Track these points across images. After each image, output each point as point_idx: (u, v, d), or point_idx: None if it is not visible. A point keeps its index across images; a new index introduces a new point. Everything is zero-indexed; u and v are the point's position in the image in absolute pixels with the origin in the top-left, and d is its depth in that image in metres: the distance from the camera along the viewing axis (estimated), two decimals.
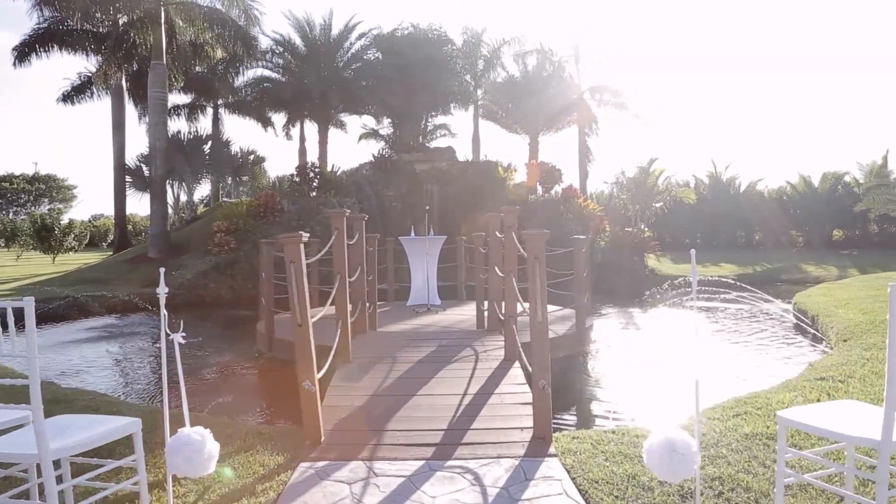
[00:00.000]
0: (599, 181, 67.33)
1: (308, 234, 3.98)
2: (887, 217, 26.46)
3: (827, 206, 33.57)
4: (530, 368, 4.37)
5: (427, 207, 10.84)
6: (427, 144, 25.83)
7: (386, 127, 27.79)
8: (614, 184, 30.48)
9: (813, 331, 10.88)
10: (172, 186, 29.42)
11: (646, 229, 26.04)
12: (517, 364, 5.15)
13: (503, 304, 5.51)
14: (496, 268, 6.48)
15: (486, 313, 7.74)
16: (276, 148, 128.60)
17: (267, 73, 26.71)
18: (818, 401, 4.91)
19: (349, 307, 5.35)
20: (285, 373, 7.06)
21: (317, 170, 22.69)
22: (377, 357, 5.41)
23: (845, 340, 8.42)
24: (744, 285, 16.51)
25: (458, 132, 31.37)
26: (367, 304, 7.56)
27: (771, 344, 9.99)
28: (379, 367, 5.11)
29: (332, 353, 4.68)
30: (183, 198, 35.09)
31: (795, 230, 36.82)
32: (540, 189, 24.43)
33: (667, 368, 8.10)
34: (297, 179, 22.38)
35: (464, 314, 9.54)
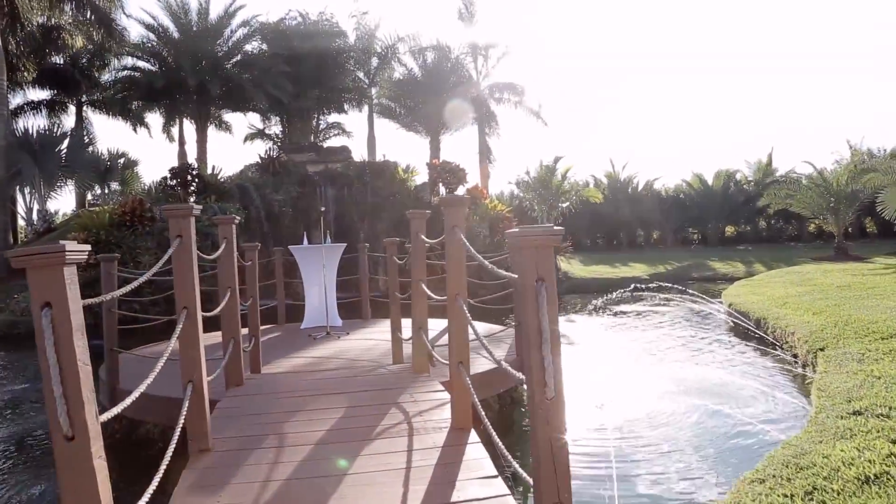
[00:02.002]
0: (501, 182, 67.36)
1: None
2: (785, 212, 26.98)
3: (721, 203, 34.30)
4: (502, 449, 2.70)
5: (323, 209, 8.94)
6: (320, 144, 23.69)
7: (274, 125, 25.39)
8: (518, 184, 29.56)
9: (760, 334, 9.91)
10: (24, 193, 25.40)
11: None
12: (474, 436, 3.42)
13: (447, 340, 3.73)
14: (422, 285, 4.72)
15: (404, 342, 5.98)
16: (153, 151, 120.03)
17: (138, 62, 23.54)
18: (892, 455, 3.52)
19: (203, 365, 3.37)
20: (127, 450, 4.98)
21: (195, 172, 19.98)
22: (254, 438, 3.45)
23: (822, 349, 7.32)
24: (688, 289, 15.67)
25: (353, 131, 29.59)
26: (250, 339, 5.60)
27: (735, 355, 8.83)
28: (256, 458, 3.18)
29: (173, 441, 2.77)
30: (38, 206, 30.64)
31: (692, 227, 37.51)
32: (443, 190, 22.91)
33: (638, 393, 6.66)
34: (173, 183, 19.61)
35: (373, 340, 7.72)
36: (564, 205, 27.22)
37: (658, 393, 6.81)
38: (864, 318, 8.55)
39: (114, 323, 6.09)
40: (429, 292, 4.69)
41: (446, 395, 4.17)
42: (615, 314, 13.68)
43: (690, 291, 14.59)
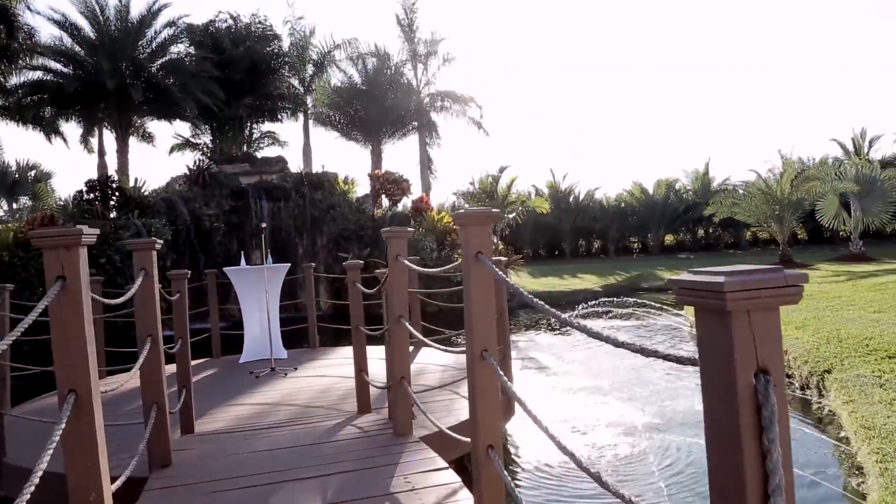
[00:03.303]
0: (444, 193, 66.63)
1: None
2: (723, 220, 27.16)
3: (662, 212, 34.47)
4: None
5: (263, 224, 7.75)
6: (254, 154, 22.25)
7: (204, 134, 23.71)
8: (463, 195, 28.73)
9: None
10: None
11: (499, 242, 24.48)
12: None
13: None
14: (405, 321, 3.71)
15: (370, 387, 4.93)
16: (71, 163, 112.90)
17: (50, 63, 21.40)
18: None
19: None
20: None
21: (115, 185, 18.21)
22: None
23: (828, 371, 6.66)
24: (640, 299, 15.10)
25: (289, 141, 28.09)
26: (179, 391, 4.42)
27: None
28: None
29: None
30: None
31: (633, 236, 37.63)
32: (386, 202, 21.88)
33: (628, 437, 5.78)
34: (90, 197, 17.79)
35: (327, 377, 6.60)
36: (511, 215, 26.51)
37: (658, 428, 5.97)
38: (855, 333, 8.01)
39: (3, 373, 4.83)
40: (416, 333, 3.67)
41: (453, 478, 3.15)
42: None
43: (659, 304, 14.04)
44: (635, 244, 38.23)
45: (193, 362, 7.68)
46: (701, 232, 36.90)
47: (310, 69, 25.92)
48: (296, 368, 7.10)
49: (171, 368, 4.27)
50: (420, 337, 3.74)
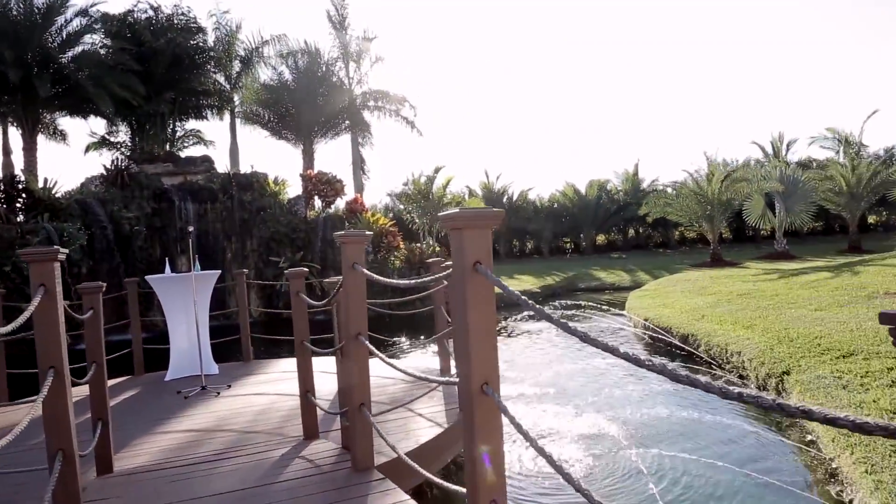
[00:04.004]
0: (377, 194, 65.76)
1: None
2: (653, 220, 27.69)
3: (595, 212, 34.93)
4: None
5: (191, 229, 7.04)
6: (177, 153, 21.04)
7: (122, 132, 22.26)
8: (398, 196, 28.19)
9: (690, 351, 9.19)
10: None
11: (434, 244, 24.08)
12: None
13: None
14: (364, 339, 3.22)
15: (318, 409, 4.40)
16: None
17: None
18: None
19: None
20: None
21: (22, 185, 16.75)
22: None
23: (786, 373, 6.54)
24: (579, 300, 15.00)
25: (215, 140, 26.63)
26: (95, 424, 3.76)
27: (671, 382, 7.88)
28: None
29: None
30: None
31: (567, 237, 38.02)
32: (319, 203, 21.14)
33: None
34: None
35: (264, 395, 6.00)
36: None
37: (618, 442, 5.67)
38: (804, 332, 8.00)
39: None
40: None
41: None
42: (528, 334, 12.63)
43: (601, 305, 13.95)
44: (568, 244, 38.65)
45: (112, 381, 6.91)
46: (632, 232, 37.67)
47: (237, 65, 24.80)
48: (229, 386, 6.45)
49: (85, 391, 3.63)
50: (380, 356, 3.25)
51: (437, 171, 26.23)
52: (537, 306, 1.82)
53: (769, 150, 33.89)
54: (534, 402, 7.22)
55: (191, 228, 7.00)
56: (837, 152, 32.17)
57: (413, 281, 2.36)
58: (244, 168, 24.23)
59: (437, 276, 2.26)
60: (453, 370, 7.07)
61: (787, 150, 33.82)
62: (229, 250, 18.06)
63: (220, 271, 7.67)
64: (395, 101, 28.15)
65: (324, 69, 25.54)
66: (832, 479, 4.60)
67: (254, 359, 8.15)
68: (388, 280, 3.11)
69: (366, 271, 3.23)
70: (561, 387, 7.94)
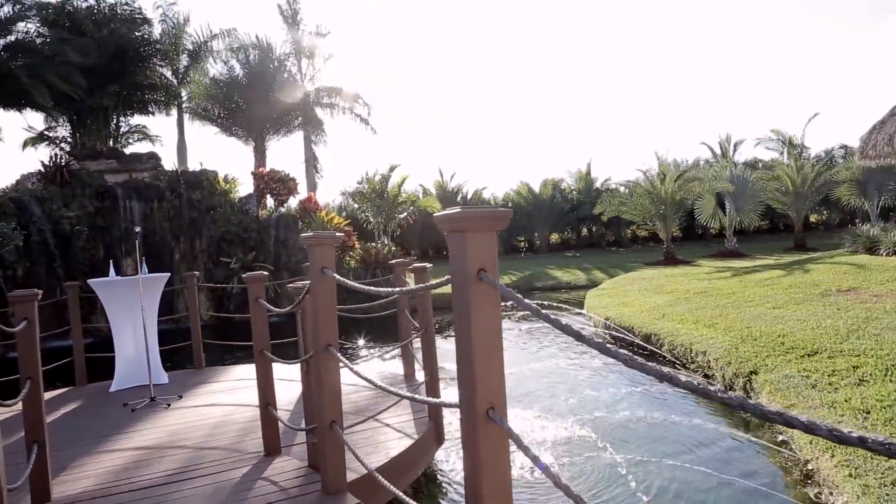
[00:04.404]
0: (331, 193, 64.80)
1: None
2: (613, 219, 27.98)
3: (549, 211, 35.10)
4: None
5: (138, 230, 6.59)
6: (121, 150, 20.16)
7: (62, 127, 21.20)
8: (352, 194, 27.68)
9: (653, 350, 9.15)
10: None
11: (389, 243, 23.75)
12: None
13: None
14: (334, 350, 2.95)
15: (280, 423, 4.10)
16: None
17: None
18: None
19: None
20: None
21: None
22: None
23: (754, 373, 6.52)
24: (537, 299, 14.82)
25: (162, 136, 25.65)
26: (29, 447, 3.39)
27: (640, 382, 7.78)
28: None
29: None
30: None
31: (521, 235, 38.11)
32: (271, 202, 20.58)
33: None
34: None
35: (219, 406, 5.64)
36: (402, 215, 25.84)
37: (594, 445, 5.52)
38: (766, 330, 8.04)
39: None
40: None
41: None
42: None
43: (561, 305, 13.88)
44: (522, 243, 38.75)
45: (50, 394, 6.42)
46: (585, 230, 38.00)
47: (184, 59, 23.92)
48: (180, 396, 6.06)
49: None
50: (353, 368, 2.98)
51: (391, 169, 25.89)
52: (562, 321, 1.59)
53: (717, 150, 34.65)
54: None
55: (137, 229, 6.57)
56: (781, 153, 33.10)
57: (408, 288, 2.10)
58: (193, 165, 23.45)
59: (434, 283, 2.01)
60: (418, 376, 6.82)
61: (735, 150, 34.61)
62: (177, 251, 17.38)
63: (168, 274, 7.23)
64: (348, 98, 27.69)
65: (276, 65, 24.90)
66: (809, 481, 4.54)
67: (206, 366, 7.73)
68: (361, 286, 2.85)
69: (338, 277, 2.96)
70: (528, 388, 7.78)
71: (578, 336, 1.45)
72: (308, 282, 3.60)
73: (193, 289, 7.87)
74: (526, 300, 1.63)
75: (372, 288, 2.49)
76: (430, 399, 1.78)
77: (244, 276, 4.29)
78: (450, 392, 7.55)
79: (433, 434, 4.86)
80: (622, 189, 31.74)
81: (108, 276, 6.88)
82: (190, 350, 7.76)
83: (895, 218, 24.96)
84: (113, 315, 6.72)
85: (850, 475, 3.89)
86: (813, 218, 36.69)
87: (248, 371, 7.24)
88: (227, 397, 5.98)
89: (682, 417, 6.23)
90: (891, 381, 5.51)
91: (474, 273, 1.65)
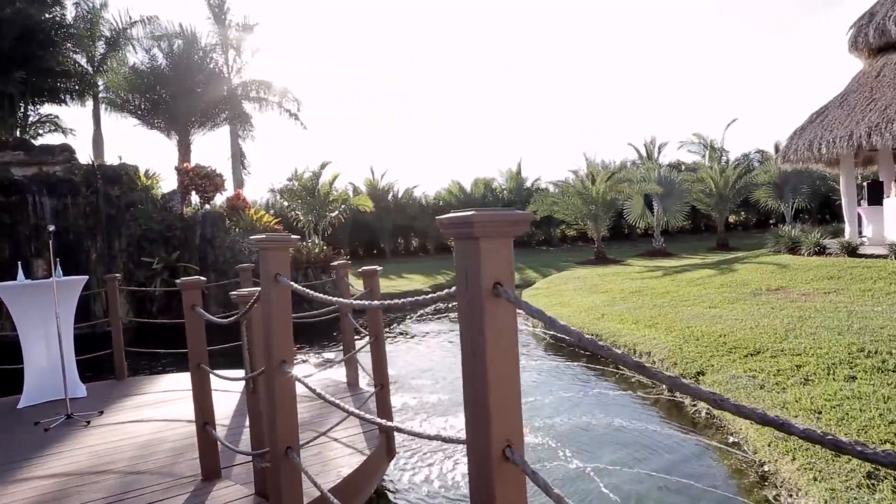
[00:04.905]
0: (259, 190, 62.93)
1: None
2: (543, 218, 28.25)
3: (481, 210, 35.14)
4: None
5: (52, 228, 5.97)
6: (30, 141, 18.75)
7: None
8: (281, 191, 26.84)
9: (593, 351, 9.12)
10: None
11: (321, 242, 23.13)
12: None
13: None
14: (286, 365, 2.64)
15: (219, 445, 3.71)
16: None
17: None
18: None
19: None
20: None
21: None
22: None
23: (701, 374, 6.53)
24: None
25: (77, 128, 23.97)
26: None
27: (579, 384, 7.69)
28: None
29: None
30: None
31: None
32: (197, 199, 19.63)
33: None
34: None
35: (149, 422, 5.14)
36: (333, 214, 25.25)
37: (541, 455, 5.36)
38: (706, 330, 8.13)
39: None
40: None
41: None
42: (433, 335, 12.19)
43: None
44: (451, 242, 38.72)
45: None
46: None
47: (101, 46, 22.53)
48: (101, 412, 5.52)
49: None
50: (312, 389, 2.66)
51: (323, 166, 25.27)
52: (588, 338, 1.34)
53: (643, 152, 35.64)
54: (453, 410, 6.80)
55: (52, 228, 5.94)
56: (703, 156, 34.41)
57: (393, 301, 1.80)
58: (111, 159, 22.17)
59: (435, 297, 1.72)
60: (362, 384, 6.49)
61: (659, 152, 35.73)
62: (94, 251, 16.28)
63: (86, 277, 6.62)
64: (277, 92, 26.85)
65: (201, 55, 23.79)
66: (765, 483, 4.51)
67: (129, 376, 7.13)
68: (320, 295, 2.54)
69: (292, 284, 2.63)
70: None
71: (640, 368, 1.21)
72: (256, 288, 3.24)
73: (114, 292, 7.25)
74: (562, 322, 1.37)
75: (356, 302, 2.18)
76: (438, 435, 1.52)
77: (178, 281, 3.86)
78: (400, 399, 7.26)
79: (384, 448, 4.57)
80: (552, 188, 32.21)
81: (16, 279, 6.22)
82: (110, 358, 7.14)
83: (811, 219, 26.34)
84: (22, 322, 6.07)
85: (815, 479, 3.85)
86: (731, 219, 38.26)
87: (177, 381, 6.73)
88: (156, 412, 5.49)
89: (628, 421, 6.16)
90: (834, 380, 5.59)
91: (489, 287, 1.38)
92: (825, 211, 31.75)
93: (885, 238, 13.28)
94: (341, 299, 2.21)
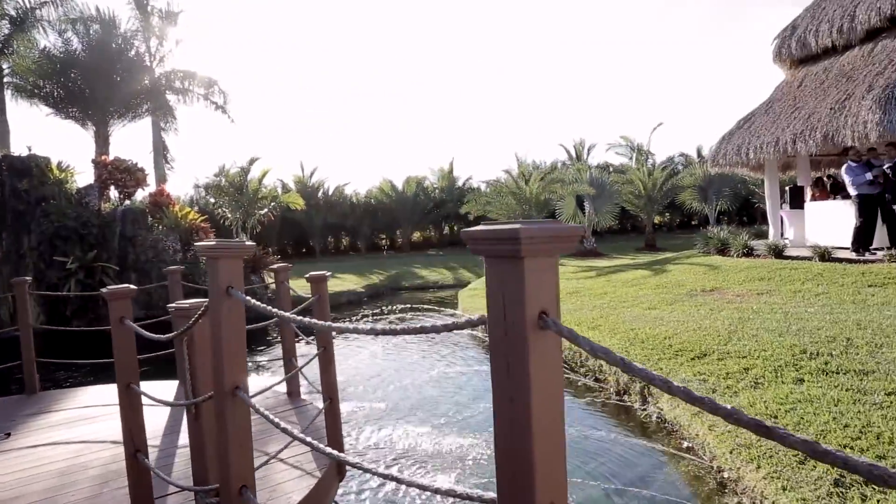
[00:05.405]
0: (182, 186, 60.21)
1: None
2: (478, 218, 28.20)
3: (413, 208, 34.88)
4: None
5: None
6: None
7: None
8: (206, 187, 25.74)
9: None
10: None
11: (248, 240, 22.35)
12: None
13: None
14: (240, 392, 2.29)
15: (152, 474, 3.30)
16: None
17: None
18: None
19: None
20: None
21: None
22: None
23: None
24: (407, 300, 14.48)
25: None
26: None
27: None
28: None
29: None
30: None
31: (383, 233, 37.64)
32: (116, 194, 18.50)
33: None
34: None
35: (67, 444, 4.62)
36: (262, 211, 24.40)
37: None
38: (651, 332, 8.14)
39: None
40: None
41: None
42: (372, 339, 11.82)
43: (438, 308, 13.54)
44: (384, 241, 38.32)
45: None
46: (447, 229, 38.30)
47: (5, 26, 20.92)
48: (8, 435, 4.94)
49: None
50: (267, 416, 2.32)
51: (251, 162, 24.40)
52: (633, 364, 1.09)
53: (573, 153, 36.22)
54: (392, 419, 6.50)
55: None
56: (630, 158, 35.29)
57: (439, 324, 1.49)
58: (18, 150, 20.58)
59: (460, 324, 1.43)
60: (303, 393, 6.10)
61: (588, 154, 36.35)
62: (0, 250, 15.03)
63: None
64: (203, 83, 25.69)
65: (120, 42, 22.45)
66: (724, 490, 4.45)
67: (41, 390, 6.48)
68: (280, 312, 2.21)
69: (251, 301, 2.28)
70: (417, 400, 7.31)
71: (690, 396, 0.97)
72: (198, 300, 2.86)
73: (24, 296, 6.57)
74: (618, 355, 1.12)
75: (337, 325, 1.87)
76: (452, 490, 1.25)
77: (105, 290, 3.41)
78: (346, 407, 6.89)
79: (335, 468, 4.23)
80: (484, 188, 32.27)
81: None
82: (18, 371, 6.47)
83: (731, 221, 27.38)
84: None
85: (784, 488, 3.79)
86: (657, 219, 39.46)
87: (98, 395, 6.14)
88: (74, 432, 4.94)
89: (597, 431, 6.04)
90: (783, 382, 5.63)
91: (534, 317, 1.12)
92: (744, 213, 33.16)
93: (805, 240, 13.85)
94: (322, 322, 1.90)
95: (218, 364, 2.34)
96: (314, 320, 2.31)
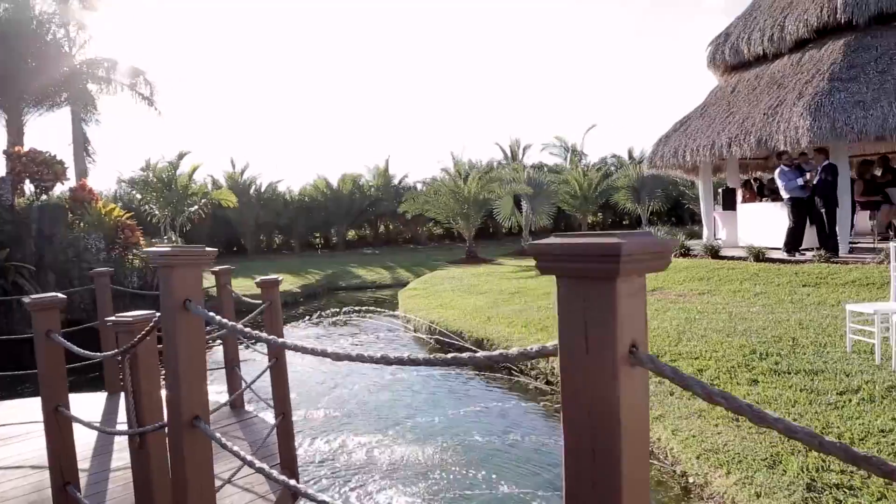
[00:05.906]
0: (105, 181, 57.30)
1: None
2: (415, 217, 28.05)
3: (348, 207, 34.28)
4: None
5: None
6: None
7: None
8: (132, 182, 24.45)
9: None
10: None
11: (177, 239, 21.34)
12: None
13: None
14: (201, 422, 1.99)
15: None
16: None
17: None
18: None
19: None
20: None
21: None
22: None
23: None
24: (344, 301, 14.10)
25: None
26: None
27: (483, 391, 7.35)
28: None
29: None
30: None
31: (317, 232, 36.89)
32: (31, 188, 17.29)
33: None
34: None
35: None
36: (192, 208, 23.39)
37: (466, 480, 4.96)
38: None
39: None
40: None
41: None
42: (314, 339, 11.38)
43: (374, 309, 13.23)
44: (318, 240, 37.56)
45: None
46: (383, 227, 37.88)
47: None
48: None
49: None
50: (228, 448, 2.03)
51: (181, 156, 23.35)
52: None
53: (508, 152, 36.47)
54: (336, 428, 6.19)
55: None
56: (565, 159, 35.88)
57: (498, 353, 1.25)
58: None
59: (538, 351, 1.19)
60: (247, 405, 5.72)
61: (524, 153, 36.69)
62: None
63: None
64: (128, 73, 24.42)
65: (35, 25, 21.03)
66: (690, 495, 4.39)
67: None
68: (240, 326, 1.92)
69: (216, 316, 1.98)
70: (365, 408, 7.03)
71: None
72: (143, 312, 2.52)
73: None
74: (745, 401, 0.92)
75: (339, 352, 1.60)
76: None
77: (28, 300, 2.99)
78: (299, 415, 6.52)
79: (288, 491, 3.91)
80: (420, 186, 32.11)
81: None
82: None
83: (662, 221, 28.14)
84: None
85: (757, 494, 3.73)
86: (590, 219, 40.27)
87: (14, 411, 5.57)
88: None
89: (537, 437, 5.91)
90: (738, 384, 5.66)
91: (625, 351, 0.90)
92: (674, 213, 34.18)
93: (738, 240, 14.27)
94: (334, 352, 1.62)
95: (174, 390, 2.02)
96: (285, 340, 2.03)
